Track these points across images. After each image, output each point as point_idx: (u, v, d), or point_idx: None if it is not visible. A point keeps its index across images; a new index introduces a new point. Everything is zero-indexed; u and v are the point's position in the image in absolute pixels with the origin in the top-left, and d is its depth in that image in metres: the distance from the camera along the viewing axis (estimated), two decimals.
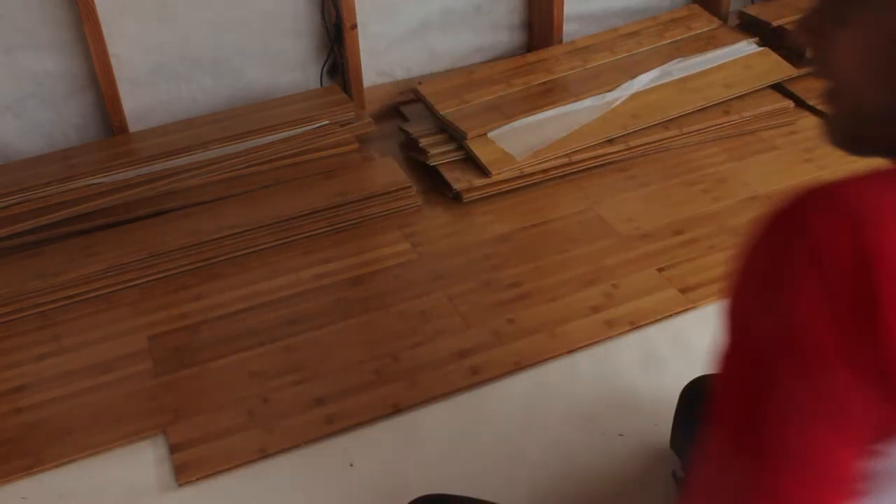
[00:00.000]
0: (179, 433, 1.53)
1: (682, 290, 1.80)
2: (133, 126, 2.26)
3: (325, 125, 2.24)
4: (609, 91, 2.36)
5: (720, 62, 2.50)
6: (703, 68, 2.47)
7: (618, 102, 2.33)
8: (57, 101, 2.19)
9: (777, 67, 2.48)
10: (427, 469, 1.46)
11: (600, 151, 2.22)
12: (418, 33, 2.51)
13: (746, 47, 2.55)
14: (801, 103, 2.43)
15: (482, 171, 2.13)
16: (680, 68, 2.46)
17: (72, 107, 2.21)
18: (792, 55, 2.49)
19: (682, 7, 2.78)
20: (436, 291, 1.83)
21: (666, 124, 2.30)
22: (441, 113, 2.27)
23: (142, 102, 2.27)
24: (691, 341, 1.68)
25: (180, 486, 1.44)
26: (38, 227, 1.97)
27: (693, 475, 0.64)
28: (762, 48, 2.54)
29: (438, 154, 2.19)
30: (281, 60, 2.39)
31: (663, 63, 2.48)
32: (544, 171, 2.17)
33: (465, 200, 2.10)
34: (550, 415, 1.54)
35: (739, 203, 2.07)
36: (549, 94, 2.37)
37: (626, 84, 2.38)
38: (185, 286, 1.89)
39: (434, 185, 2.19)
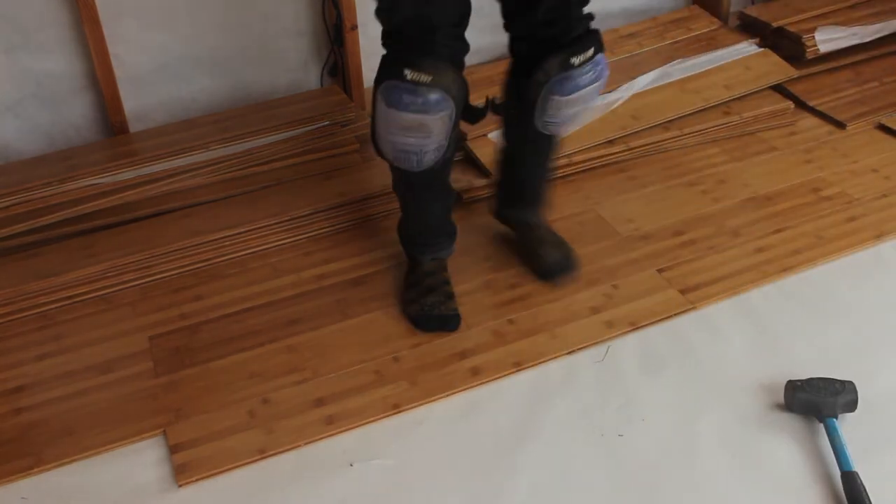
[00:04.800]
0: (179, 433, 1.53)
1: (682, 291, 1.81)
2: (133, 126, 2.26)
3: (325, 125, 2.24)
4: (609, 92, 2.35)
5: (720, 63, 2.49)
6: (703, 69, 2.47)
7: (618, 103, 2.33)
8: (57, 102, 2.19)
9: (777, 68, 2.48)
10: (427, 469, 1.46)
11: (600, 152, 2.22)
12: None
13: (746, 48, 2.55)
14: (800, 104, 2.44)
15: (482, 171, 2.13)
16: (680, 69, 2.47)
17: (72, 107, 2.21)
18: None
19: (683, 8, 2.78)
20: None
21: (666, 125, 2.30)
22: None
23: (142, 102, 2.27)
24: (691, 342, 1.68)
25: (180, 486, 1.44)
26: (38, 228, 1.97)
27: None
28: (762, 49, 2.55)
29: None
30: (281, 61, 2.39)
31: (663, 64, 2.48)
32: None
33: (465, 200, 2.10)
34: (550, 415, 1.54)
35: (739, 204, 2.07)
36: None
37: (625, 85, 2.38)
38: (185, 286, 1.89)
39: None
